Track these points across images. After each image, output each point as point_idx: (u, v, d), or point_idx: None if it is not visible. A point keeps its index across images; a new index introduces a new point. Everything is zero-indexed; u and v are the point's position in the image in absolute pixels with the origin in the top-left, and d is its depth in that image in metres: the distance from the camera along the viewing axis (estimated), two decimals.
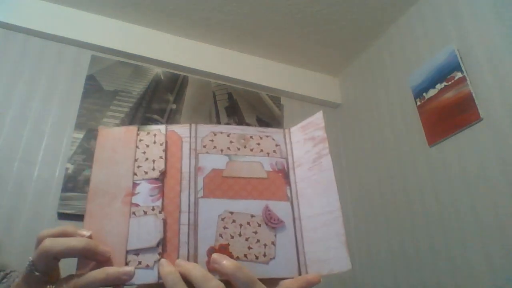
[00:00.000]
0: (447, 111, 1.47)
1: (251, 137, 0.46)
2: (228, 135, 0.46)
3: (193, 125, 0.46)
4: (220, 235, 0.38)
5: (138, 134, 0.46)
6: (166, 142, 0.45)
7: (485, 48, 1.38)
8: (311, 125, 0.49)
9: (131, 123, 1.70)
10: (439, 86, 1.52)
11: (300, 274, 0.36)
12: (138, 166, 0.43)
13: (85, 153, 1.57)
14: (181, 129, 0.46)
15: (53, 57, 1.71)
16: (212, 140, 0.45)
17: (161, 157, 0.43)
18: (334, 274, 0.38)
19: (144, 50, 1.86)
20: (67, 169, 1.51)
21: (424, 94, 1.58)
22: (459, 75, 1.43)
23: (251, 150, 0.45)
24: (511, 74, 1.27)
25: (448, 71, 1.48)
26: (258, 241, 0.38)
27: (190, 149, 0.44)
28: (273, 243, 0.38)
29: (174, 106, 1.83)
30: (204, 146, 0.44)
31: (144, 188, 0.42)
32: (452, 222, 1.39)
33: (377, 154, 1.85)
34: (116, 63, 1.80)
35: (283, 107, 2.08)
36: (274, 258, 0.37)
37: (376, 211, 1.79)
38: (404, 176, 1.66)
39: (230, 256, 0.37)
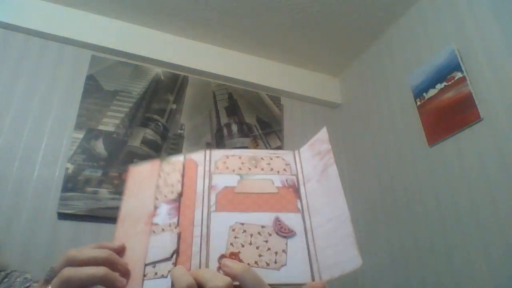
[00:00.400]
0: (447, 111, 1.47)
1: (262, 158, 0.49)
2: (240, 157, 0.49)
3: (207, 151, 0.51)
4: (231, 244, 0.40)
5: (160, 165, 0.52)
6: (184, 167, 0.49)
7: (485, 48, 1.38)
8: (317, 141, 0.52)
9: (131, 123, 1.70)
10: (439, 86, 1.52)
11: (313, 280, 0.37)
12: (160, 192, 0.48)
13: (85, 153, 1.57)
14: (197, 156, 0.51)
15: (53, 57, 1.71)
16: (224, 162, 0.49)
17: (178, 181, 0.48)
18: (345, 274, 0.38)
19: (144, 50, 1.86)
20: (67, 169, 1.51)
21: (424, 94, 1.58)
22: (459, 75, 1.43)
23: (262, 169, 0.48)
24: (511, 74, 1.27)
25: (448, 71, 1.48)
26: (269, 249, 0.39)
27: (204, 171, 0.48)
28: (284, 251, 0.39)
29: (174, 106, 1.83)
30: (217, 168, 0.49)
31: (163, 209, 0.46)
32: (452, 222, 1.39)
33: (377, 154, 1.85)
34: (116, 63, 1.80)
35: (283, 107, 2.08)
36: (285, 265, 0.38)
37: (376, 211, 1.79)
38: (404, 176, 1.66)
39: (241, 262, 0.38)
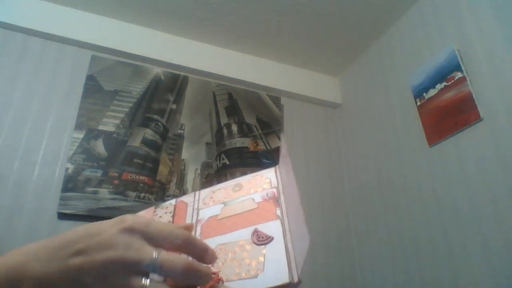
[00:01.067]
0: (447, 111, 1.47)
1: (244, 183, 0.52)
2: (225, 189, 0.52)
3: (197, 192, 0.54)
4: (212, 265, 0.41)
5: (154, 211, 0.54)
6: (174, 209, 0.52)
7: (485, 48, 1.38)
8: (283, 148, 0.55)
9: (131, 123, 1.70)
10: (439, 86, 1.52)
11: (291, 279, 0.37)
12: None
13: (85, 153, 1.57)
14: (188, 197, 0.53)
15: (53, 57, 1.71)
16: (211, 197, 0.52)
17: (169, 221, 0.50)
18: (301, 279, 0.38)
19: (144, 50, 1.86)
20: (67, 169, 1.51)
21: (424, 94, 1.58)
22: (459, 75, 1.43)
23: (246, 192, 0.50)
24: (511, 74, 1.27)
25: (448, 71, 1.48)
26: (246, 261, 0.40)
27: (193, 209, 0.51)
28: (261, 259, 0.39)
29: (174, 106, 1.83)
30: (205, 204, 0.51)
31: None
32: (452, 221, 1.39)
33: (377, 154, 1.85)
34: (116, 63, 1.80)
35: (283, 107, 2.08)
36: (263, 271, 0.38)
37: (376, 211, 1.79)
38: (404, 176, 1.66)
39: (220, 280, 0.39)
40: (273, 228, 0.42)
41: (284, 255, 0.39)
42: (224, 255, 0.42)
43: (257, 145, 1.89)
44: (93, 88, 1.70)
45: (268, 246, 0.41)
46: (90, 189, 1.51)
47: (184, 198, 0.54)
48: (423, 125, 1.58)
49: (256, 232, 0.42)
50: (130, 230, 0.34)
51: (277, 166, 0.53)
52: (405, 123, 1.70)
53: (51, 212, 1.45)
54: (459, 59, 1.44)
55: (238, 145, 1.86)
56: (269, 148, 1.91)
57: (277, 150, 1.93)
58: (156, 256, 0.33)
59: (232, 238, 0.44)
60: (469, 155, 1.37)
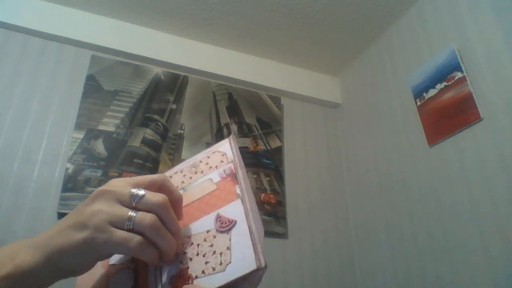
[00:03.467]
0: (447, 111, 1.47)
1: (200, 161, 0.48)
2: (181, 171, 0.49)
3: None
4: (181, 262, 0.39)
5: None
6: None
7: (485, 48, 1.38)
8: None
9: (131, 123, 1.70)
10: (439, 86, 1.52)
11: (258, 264, 0.35)
12: None
13: (85, 153, 1.57)
14: None
15: (53, 57, 1.71)
16: None
17: None
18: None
19: (144, 50, 1.86)
20: (67, 169, 1.51)
21: (424, 94, 1.58)
22: (459, 75, 1.43)
23: (202, 172, 0.47)
24: (511, 74, 1.27)
25: (448, 71, 1.48)
26: (214, 252, 0.38)
27: None
28: (228, 248, 0.37)
29: (174, 106, 1.83)
30: None
31: None
32: (452, 222, 1.39)
33: (377, 154, 1.85)
34: (116, 63, 1.80)
35: (283, 107, 2.08)
36: (230, 262, 0.36)
37: (376, 211, 1.79)
38: (404, 176, 1.66)
39: (189, 277, 0.37)
40: (235, 209, 0.40)
41: (249, 238, 0.37)
42: (191, 249, 0.40)
43: (257, 145, 1.89)
44: (93, 88, 1.70)
45: (232, 231, 0.38)
46: (90, 189, 1.51)
47: None
48: (423, 125, 1.58)
49: (219, 218, 0.40)
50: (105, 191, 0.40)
51: (230, 137, 0.50)
52: (405, 123, 1.70)
53: (51, 212, 1.45)
54: (459, 59, 1.44)
55: (238, 145, 1.86)
56: (269, 148, 1.91)
57: (277, 150, 1.93)
58: (140, 191, 0.39)
59: (197, 228, 0.41)
60: (469, 155, 1.37)
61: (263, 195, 1.78)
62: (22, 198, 1.44)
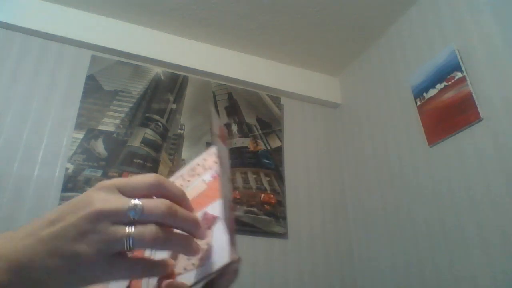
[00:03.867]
0: (447, 111, 1.47)
1: (198, 164, 0.49)
2: (181, 176, 0.50)
3: None
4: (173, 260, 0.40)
5: None
6: None
7: (485, 48, 1.38)
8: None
9: (131, 123, 1.70)
10: (439, 86, 1.52)
11: (233, 257, 0.35)
12: None
13: (85, 153, 1.57)
14: None
15: (53, 57, 1.71)
16: None
17: None
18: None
19: (144, 50, 1.86)
20: (67, 169, 1.51)
21: (424, 94, 1.58)
22: (459, 75, 1.43)
23: (198, 174, 0.48)
24: (511, 74, 1.27)
25: (448, 71, 1.48)
26: (203, 245, 0.39)
27: None
28: (208, 244, 0.38)
29: (174, 106, 1.83)
30: None
31: None
32: (452, 221, 1.39)
33: (377, 154, 1.85)
34: (116, 63, 1.80)
35: (283, 107, 2.08)
36: (209, 258, 0.37)
37: (376, 211, 1.79)
38: (404, 176, 1.66)
39: (174, 275, 0.38)
40: (218, 207, 0.41)
41: (225, 232, 0.37)
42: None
43: (257, 145, 1.89)
44: (93, 88, 1.70)
45: (214, 227, 0.39)
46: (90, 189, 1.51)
47: None
48: (423, 125, 1.58)
49: (205, 216, 0.41)
50: (104, 187, 0.33)
51: (217, 138, 0.51)
52: (405, 123, 1.70)
53: None
54: (459, 59, 1.44)
55: (238, 145, 1.86)
56: (269, 148, 1.91)
57: (277, 150, 1.93)
58: (137, 202, 0.32)
59: None
60: (469, 155, 1.37)
61: (263, 195, 1.78)
62: (22, 198, 1.44)
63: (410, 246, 1.56)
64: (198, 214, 0.41)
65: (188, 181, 0.48)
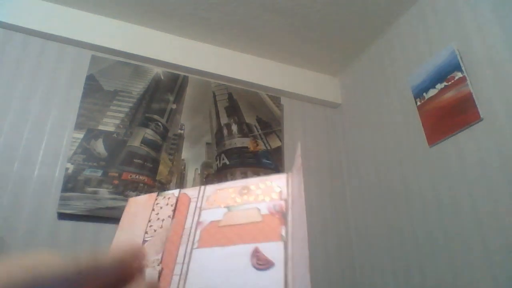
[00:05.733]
0: (447, 111, 1.47)
1: (252, 186, 0.48)
2: (231, 189, 0.48)
3: (202, 187, 0.51)
4: (206, 283, 0.39)
5: (156, 199, 0.52)
6: (176, 202, 0.50)
7: (485, 48, 1.38)
8: (297, 158, 0.50)
9: (131, 123, 1.70)
10: (439, 86, 1.52)
11: None
12: (150, 226, 0.49)
13: (85, 153, 1.57)
14: (192, 191, 0.51)
15: (53, 57, 1.71)
16: (216, 197, 0.49)
17: (169, 216, 0.49)
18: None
19: (144, 50, 1.86)
20: (67, 169, 1.51)
21: (424, 94, 1.58)
22: (459, 75, 1.43)
23: (252, 198, 0.46)
24: (511, 74, 1.27)
25: (448, 71, 1.48)
26: (243, 285, 0.38)
27: (195, 207, 0.49)
28: (257, 284, 0.37)
29: (174, 106, 1.83)
30: (208, 203, 0.48)
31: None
32: (452, 221, 1.39)
33: (377, 154, 1.85)
34: (116, 63, 1.80)
35: (283, 107, 2.08)
36: None
37: (376, 211, 1.79)
38: (404, 176, 1.66)
39: None
40: (274, 250, 0.39)
41: (282, 285, 0.36)
42: (220, 274, 0.39)
43: (257, 145, 1.89)
44: (93, 88, 1.70)
45: (266, 272, 0.38)
46: (90, 189, 1.51)
47: (188, 192, 0.51)
48: (423, 125, 1.58)
49: (256, 253, 0.39)
50: None
51: (289, 174, 0.49)
52: (405, 123, 1.70)
53: (51, 212, 1.45)
54: (459, 59, 1.44)
55: (238, 145, 1.86)
56: (269, 148, 1.91)
57: (277, 150, 1.93)
58: None
59: (231, 254, 0.41)
60: (469, 155, 1.37)
61: None
62: (22, 198, 1.44)
63: (410, 246, 1.56)
64: (245, 245, 0.40)
65: (238, 200, 0.46)
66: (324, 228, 1.88)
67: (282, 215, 0.43)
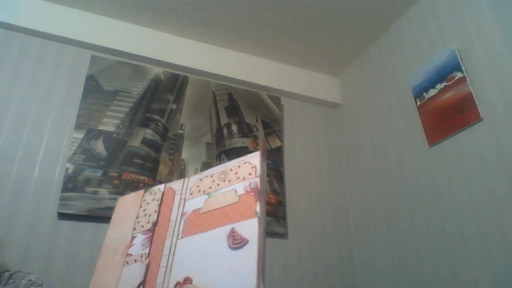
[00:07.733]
0: (447, 111, 1.47)
1: (230, 169, 0.49)
2: (211, 176, 0.49)
3: (186, 179, 0.52)
4: (188, 270, 0.40)
5: (143, 196, 0.53)
6: (162, 197, 0.51)
7: (485, 48, 1.38)
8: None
9: (131, 123, 1.70)
10: (439, 86, 1.52)
11: (258, 286, 0.35)
12: (138, 222, 0.50)
13: (85, 153, 1.57)
14: (177, 184, 0.52)
15: (53, 57, 1.71)
16: (198, 186, 0.50)
17: (155, 211, 0.49)
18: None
19: (144, 50, 1.86)
20: (67, 169, 1.51)
21: (424, 94, 1.58)
22: (459, 75, 1.43)
23: (229, 181, 0.47)
24: (511, 74, 1.27)
25: (448, 71, 1.48)
26: (220, 266, 0.38)
27: (180, 199, 0.50)
28: (232, 266, 0.38)
29: (174, 106, 1.83)
30: (191, 193, 0.49)
31: (139, 239, 0.48)
32: (452, 221, 1.39)
33: (377, 154, 1.85)
34: (116, 63, 1.80)
35: (283, 107, 2.08)
36: (230, 281, 0.37)
37: (376, 211, 1.79)
38: (404, 176, 1.66)
39: (188, 280, 0.39)
40: (249, 227, 0.40)
41: (255, 262, 0.37)
42: (201, 259, 0.40)
43: (257, 145, 1.89)
44: (93, 88, 1.70)
45: (241, 250, 0.39)
46: (90, 189, 1.51)
47: (173, 185, 0.52)
48: (423, 125, 1.58)
49: (232, 234, 0.41)
50: None
51: (262, 152, 0.50)
52: (405, 123, 1.70)
53: (51, 212, 1.45)
54: (459, 59, 1.44)
55: (238, 145, 1.86)
56: (269, 148, 1.91)
57: (277, 150, 1.93)
58: None
59: (211, 238, 0.42)
60: (469, 155, 1.37)
61: None
62: (22, 198, 1.44)
63: (410, 246, 1.56)
64: (223, 227, 0.41)
65: (218, 184, 0.47)
66: (324, 227, 1.88)
67: (257, 192, 0.44)
